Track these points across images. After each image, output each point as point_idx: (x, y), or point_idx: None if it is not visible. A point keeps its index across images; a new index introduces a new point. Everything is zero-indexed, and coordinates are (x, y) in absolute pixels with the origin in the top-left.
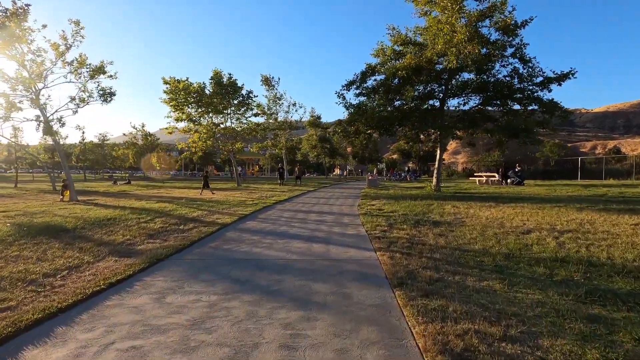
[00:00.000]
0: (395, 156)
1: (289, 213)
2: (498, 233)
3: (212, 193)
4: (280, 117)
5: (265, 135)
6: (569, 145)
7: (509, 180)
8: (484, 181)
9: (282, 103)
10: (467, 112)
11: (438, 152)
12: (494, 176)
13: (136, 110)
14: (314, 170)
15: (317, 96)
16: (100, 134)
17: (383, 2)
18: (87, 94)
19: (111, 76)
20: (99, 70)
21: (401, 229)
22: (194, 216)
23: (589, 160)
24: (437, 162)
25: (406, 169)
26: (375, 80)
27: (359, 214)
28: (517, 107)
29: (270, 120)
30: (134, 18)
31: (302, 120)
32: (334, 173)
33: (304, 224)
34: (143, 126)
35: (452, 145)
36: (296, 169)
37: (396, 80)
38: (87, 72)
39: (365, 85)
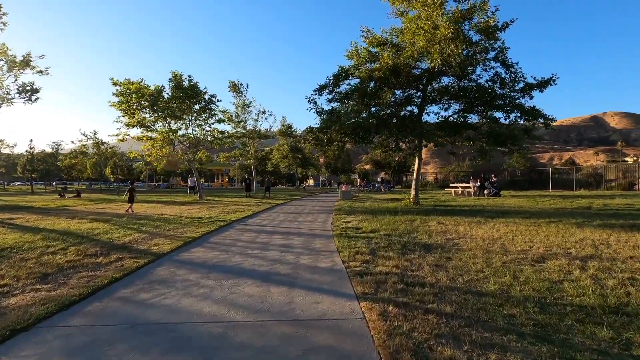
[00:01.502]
0: (368, 167)
1: (249, 235)
2: (507, 262)
3: (130, 211)
4: (249, 125)
5: (233, 144)
6: (530, 156)
7: (485, 191)
8: (460, 192)
9: (251, 110)
10: (448, 119)
11: (416, 162)
12: (469, 187)
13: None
14: (286, 181)
15: (289, 105)
16: (53, 143)
17: (356, 4)
18: (3, 91)
19: (41, 72)
20: (24, 63)
21: (387, 258)
22: (126, 242)
23: (552, 170)
24: (415, 173)
25: (379, 179)
26: (349, 84)
27: (334, 234)
28: (498, 114)
29: (239, 129)
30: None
31: (272, 129)
32: (307, 184)
33: (264, 252)
34: (95, 133)
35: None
36: (265, 179)
37: (372, 83)
38: (6, 65)
39: (338, 90)
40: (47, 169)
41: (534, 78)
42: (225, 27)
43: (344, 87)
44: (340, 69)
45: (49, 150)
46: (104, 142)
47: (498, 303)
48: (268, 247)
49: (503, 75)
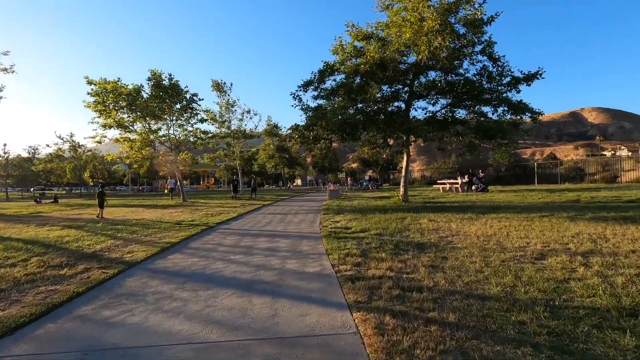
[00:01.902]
0: (355, 165)
1: (232, 238)
2: (506, 260)
3: (101, 217)
4: (234, 125)
5: (217, 144)
6: (513, 151)
7: (473, 187)
8: (448, 189)
9: (235, 110)
10: (436, 114)
11: (404, 159)
12: (457, 183)
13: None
14: (274, 181)
15: (275, 105)
16: (30, 147)
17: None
18: None
19: (6, 69)
20: None
21: (380, 260)
22: (97, 250)
23: (537, 165)
24: (404, 170)
25: (367, 177)
26: (334, 80)
27: (322, 235)
28: (485, 109)
29: (223, 129)
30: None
31: (257, 129)
32: (294, 184)
33: (248, 257)
34: (71, 136)
35: None
36: (251, 180)
37: (358, 79)
38: None
39: (323, 86)
40: (23, 175)
41: (521, 72)
42: (207, 22)
43: (329, 83)
44: (325, 64)
45: (25, 155)
46: (81, 145)
47: (504, 308)
48: (252, 252)
49: (490, 69)
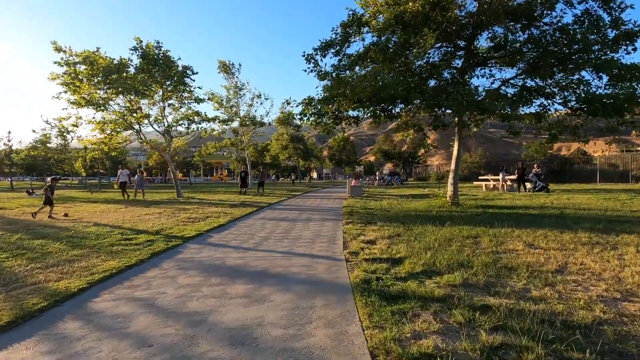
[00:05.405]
0: (373, 158)
1: (189, 280)
2: None
3: (33, 217)
4: (242, 111)
5: (223, 132)
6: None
7: (528, 185)
8: (492, 187)
9: (244, 94)
10: (505, 84)
11: (455, 145)
12: (498, 180)
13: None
14: (288, 174)
15: (290, 91)
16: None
17: None
18: None
19: None
20: None
21: None
22: None
23: (576, 161)
24: (453, 163)
25: (386, 171)
26: (362, 39)
27: (352, 283)
28: (586, 75)
29: (231, 114)
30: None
31: (269, 114)
32: (309, 177)
33: (194, 354)
34: (60, 121)
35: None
36: (259, 173)
37: (396, 36)
38: None
39: (348, 51)
40: (30, 164)
41: (634, 23)
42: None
43: (355, 47)
44: (351, 15)
45: (34, 144)
46: (70, 131)
47: None
48: (199, 340)
49: (599, 14)
